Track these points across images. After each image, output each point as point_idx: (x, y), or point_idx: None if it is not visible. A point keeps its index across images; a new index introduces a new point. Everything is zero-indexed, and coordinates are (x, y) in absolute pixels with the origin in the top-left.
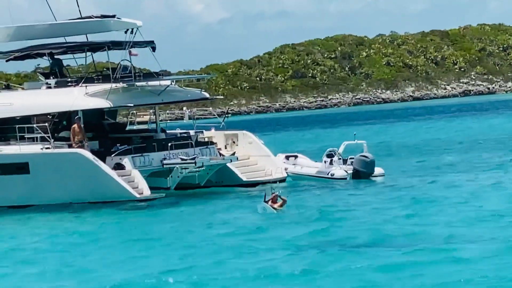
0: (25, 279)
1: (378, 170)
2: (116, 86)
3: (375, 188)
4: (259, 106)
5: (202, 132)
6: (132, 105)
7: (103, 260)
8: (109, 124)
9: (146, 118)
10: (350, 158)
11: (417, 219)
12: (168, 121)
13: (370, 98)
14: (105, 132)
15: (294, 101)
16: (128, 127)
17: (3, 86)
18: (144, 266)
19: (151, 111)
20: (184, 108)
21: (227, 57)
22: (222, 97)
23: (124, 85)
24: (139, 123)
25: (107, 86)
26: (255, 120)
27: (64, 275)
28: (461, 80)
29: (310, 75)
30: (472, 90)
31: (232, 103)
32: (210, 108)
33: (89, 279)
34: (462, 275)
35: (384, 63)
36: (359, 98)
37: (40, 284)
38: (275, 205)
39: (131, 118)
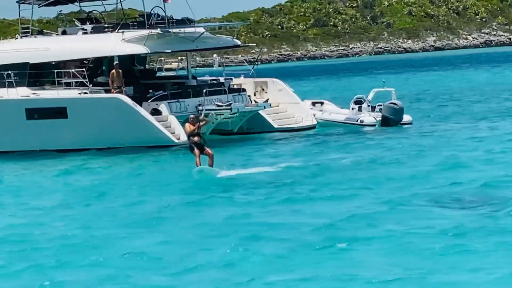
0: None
1: (406, 117)
2: (151, 32)
3: (407, 135)
4: (281, 55)
5: (232, 79)
6: (169, 51)
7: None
8: (140, 70)
9: (174, 64)
10: (379, 105)
11: (452, 165)
12: (197, 68)
13: (392, 48)
14: (136, 78)
15: (316, 50)
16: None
17: (36, 32)
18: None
19: (179, 57)
20: (214, 55)
21: (248, 5)
22: (254, 44)
23: (160, 31)
24: (167, 69)
25: (143, 32)
26: (277, 68)
27: (102, 214)
28: (483, 31)
29: (331, 24)
30: (494, 41)
31: (253, 51)
32: (239, 56)
33: (127, 219)
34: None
35: (405, 12)
36: (380, 48)
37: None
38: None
39: (159, 64)
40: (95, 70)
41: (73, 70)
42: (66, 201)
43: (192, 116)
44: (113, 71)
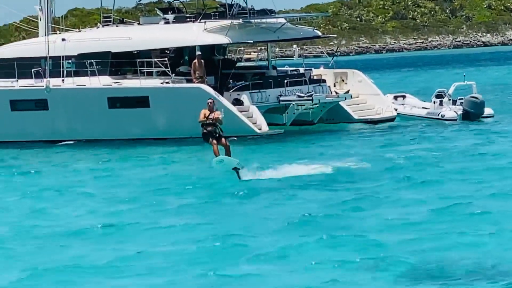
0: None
1: (487, 110)
2: (233, 23)
3: (488, 128)
4: (359, 47)
5: (312, 70)
6: (251, 41)
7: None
8: (220, 60)
9: (253, 55)
10: (460, 99)
11: None
12: (278, 59)
13: (470, 41)
14: (216, 68)
15: (394, 42)
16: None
17: (118, 21)
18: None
19: (258, 48)
20: (294, 46)
21: None
22: (334, 35)
23: (241, 21)
24: (246, 60)
25: (225, 22)
26: (355, 60)
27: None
28: None
29: (410, 16)
30: None
31: (331, 43)
32: (319, 47)
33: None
34: None
35: (485, 6)
36: (459, 41)
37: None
38: (214, 116)
39: (238, 55)
40: (176, 59)
41: (155, 59)
42: (147, 191)
43: (210, 100)
44: (195, 60)
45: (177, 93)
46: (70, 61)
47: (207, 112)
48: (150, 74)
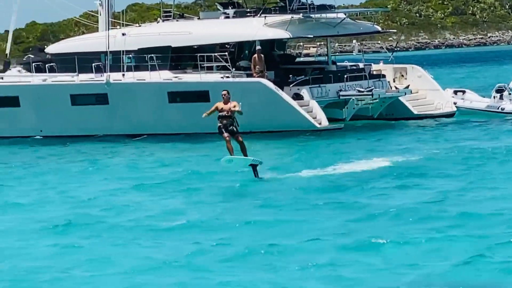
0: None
1: None
2: (293, 17)
3: None
4: (418, 43)
5: (371, 65)
6: (311, 36)
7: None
8: (279, 55)
9: (312, 50)
10: None
11: None
12: (337, 54)
13: None
14: (276, 63)
15: (453, 38)
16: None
17: (178, 16)
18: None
19: (318, 43)
20: (354, 41)
21: None
22: (394, 30)
23: (301, 16)
24: (305, 55)
25: (285, 17)
26: (414, 55)
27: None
28: None
29: (470, 12)
30: None
31: (390, 38)
32: (378, 42)
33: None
34: None
35: None
36: None
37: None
38: (230, 108)
39: (297, 50)
40: (236, 54)
41: (215, 54)
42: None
43: (224, 91)
44: (255, 55)
45: (237, 87)
46: (130, 55)
47: (221, 105)
48: (210, 68)
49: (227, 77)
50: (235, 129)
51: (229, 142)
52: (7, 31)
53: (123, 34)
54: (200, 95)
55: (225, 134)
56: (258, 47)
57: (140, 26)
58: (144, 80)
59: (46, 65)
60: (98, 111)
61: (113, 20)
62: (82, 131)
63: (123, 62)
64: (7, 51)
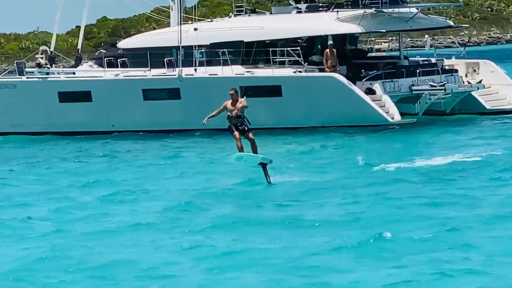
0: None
1: None
2: (366, 12)
3: None
4: (490, 37)
5: (443, 60)
6: (383, 31)
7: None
8: (351, 50)
9: (384, 45)
10: None
11: None
12: (408, 49)
13: None
14: (347, 57)
15: None
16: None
17: (249, 11)
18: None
19: (389, 38)
20: (426, 36)
21: None
22: (467, 25)
23: (374, 11)
24: (377, 50)
25: (357, 12)
26: (486, 50)
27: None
28: None
29: None
30: None
31: (462, 33)
32: (450, 37)
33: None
34: None
35: None
36: None
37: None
38: (238, 106)
39: (369, 45)
40: (308, 49)
41: (288, 48)
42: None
43: (232, 90)
44: (327, 50)
45: (310, 82)
46: (202, 50)
47: (229, 104)
48: (282, 63)
49: (300, 71)
50: (246, 127)
51: (239, 140)
52: (78, 27)
53: (195, 29)
54: (273, 90)
55: (235, 132)
56: (330, 42)
57: (212, 21)
58: (216, 74)
59: (118, 60)
60: (170, 106)
61: (185, 15)
62: (153, 126)
63: (195, 57)
64: (79, 46)
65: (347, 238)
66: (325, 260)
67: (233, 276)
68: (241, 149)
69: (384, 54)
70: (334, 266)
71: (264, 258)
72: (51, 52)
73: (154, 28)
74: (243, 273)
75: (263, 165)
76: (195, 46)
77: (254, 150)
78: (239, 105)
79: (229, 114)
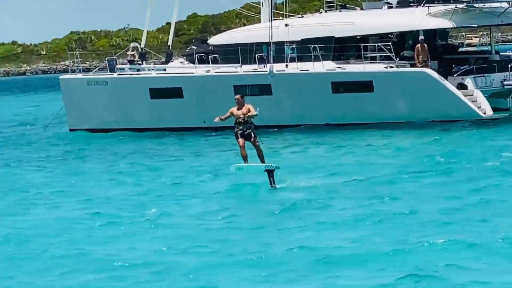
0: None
1: None
2: (457, 7)
3: None
4: None
5: None
6: (475, 25)
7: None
8: (442, 45)
9: (474, 40)
10: None
11: None
12: (499, 44)
13: None
14: (438, 53)
15: None
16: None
17: (340, 6)
18: None
19: (480, 33)
20: None
21: None
22: None
23: (465, 5)
24: (467, 45)
25: (448, 6)
26: None
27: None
28: None
29: None
30: None
31: None
32: None
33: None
34: None
35: None
36: None
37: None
38: (244, 111)
39: (460, 40)
40: (399, 44)
41: (379, 44)
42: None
43: (237, 97)
44: (418, 45)
45: (401, 77)
46: (292, 46)
47: (235, 110)
48: (373, 58)
49: (391, 67)
50: (252, 133)
51: (243, 148)
52: (168, 23)
53: (286, 25)
54: (364, 86)
55: (240, 140)
56: (421, 37)
57: (302, 17)
58: (308, 70)
59: (209, 57)
60: (261, 102)
61: (275, 11)
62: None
63: (286, 53)
64: (169, 43)
65: None
66: None
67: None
68: (245, 158)
69: (474, 49)
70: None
71: None
72: (141, 48)
73: (244, 24)
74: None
75: (269, 172)
76: (286, 42)
77: (260, 157)
78: (245, 110)
79: (236, 119)
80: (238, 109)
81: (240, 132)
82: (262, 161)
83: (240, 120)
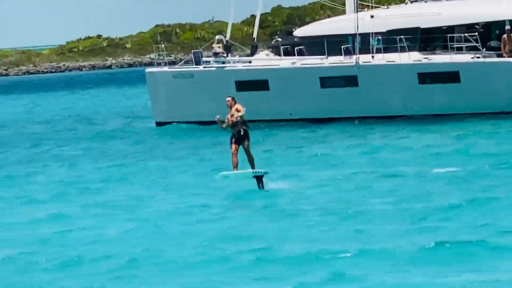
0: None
1: None
2: None
3: None
4: None
5: None
6: None
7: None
8: None
9: None
10: None
11: None
12: None
13: None
14: None
15: None
16: None
17: None
18: None
19: None
20: None
21: None
22: None
23: None
24: None
25: None
26: None
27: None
28: None
29: None
30: None
31: None
32: None
33: None
34: None
35: None
36: None
37: None
38: (233, 115)
39: None
40: (485, 34)
41: (465, 34)
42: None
43: (228, 99)
44: (505, 35)
45: (488, 68)
46: (378, 37)
47: (229, 115)
48: (459, 49)
49: (478, 57)
50: (246, 138)
51: (235, 155)
52: (253, 16)
53: (372, 17)
54: (451, 76)
55: (233, 146)
56: (508, 27)
57: (388, 8)
58: (394, 61)
59: (295, 48)
60: (347, 93)
61: (360, 2)
62: (331, 114)
63: (371, 44)
64: (254, 35)
65: None
66: None
67: None
68: (235, 166)
69: None
70: None
71: None
72: (226, 41)
73: (329, 16)
74: None
75: (258, 178)
76: (372, 33)
77: (250, 162)
78: (233, 111)
79: (229, 122)
80: (231, 111)
81: (235, 137)
82: (253, 167)
83: (231, 122)
